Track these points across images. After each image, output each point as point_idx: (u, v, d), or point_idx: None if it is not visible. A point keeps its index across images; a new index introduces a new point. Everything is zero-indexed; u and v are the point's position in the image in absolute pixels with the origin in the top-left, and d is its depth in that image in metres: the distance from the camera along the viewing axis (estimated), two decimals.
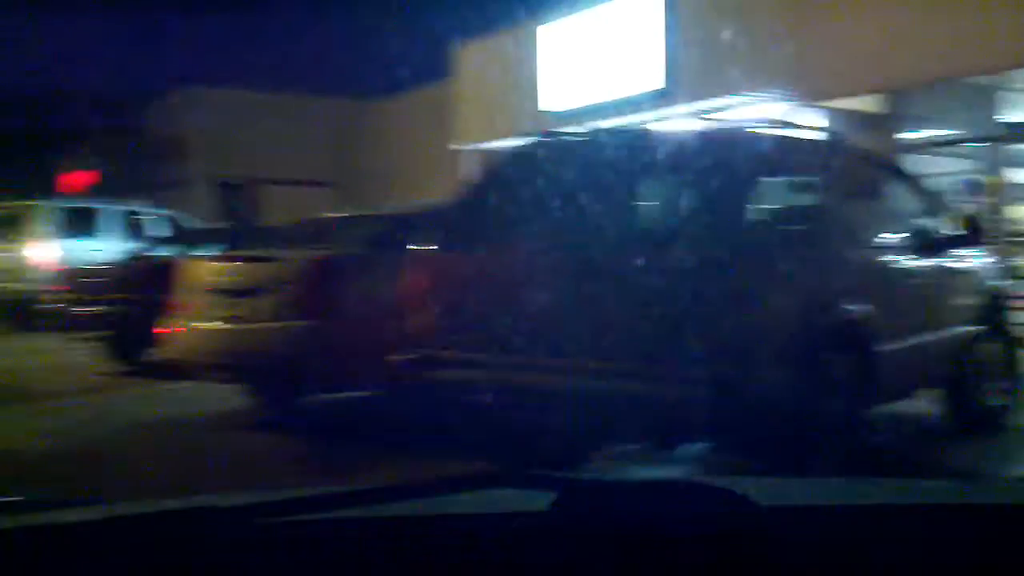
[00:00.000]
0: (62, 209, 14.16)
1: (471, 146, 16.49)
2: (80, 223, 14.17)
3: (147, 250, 11.17)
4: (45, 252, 13.49)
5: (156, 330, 6.98)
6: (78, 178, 34.61)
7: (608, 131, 6.93)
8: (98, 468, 5.52)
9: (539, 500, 1.23)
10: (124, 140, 32.49)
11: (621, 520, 1.20)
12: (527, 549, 1.21)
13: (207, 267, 6.94)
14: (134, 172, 29.93)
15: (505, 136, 15.78)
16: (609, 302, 4.49)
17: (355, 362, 6.13)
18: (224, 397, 7.24)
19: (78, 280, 10.03)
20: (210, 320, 6.61)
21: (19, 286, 13.48)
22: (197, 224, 15.53)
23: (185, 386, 7.80)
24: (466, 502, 1.34)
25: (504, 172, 5.69)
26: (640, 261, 4.36)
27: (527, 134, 5.92)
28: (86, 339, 9.56)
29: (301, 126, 25.05)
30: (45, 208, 13.97)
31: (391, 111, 24.26)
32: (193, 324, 6.71)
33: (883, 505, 1.57)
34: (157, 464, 5.59)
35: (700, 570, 1.15)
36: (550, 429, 4.61)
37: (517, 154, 5.77)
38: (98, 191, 27.99)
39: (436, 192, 15.88)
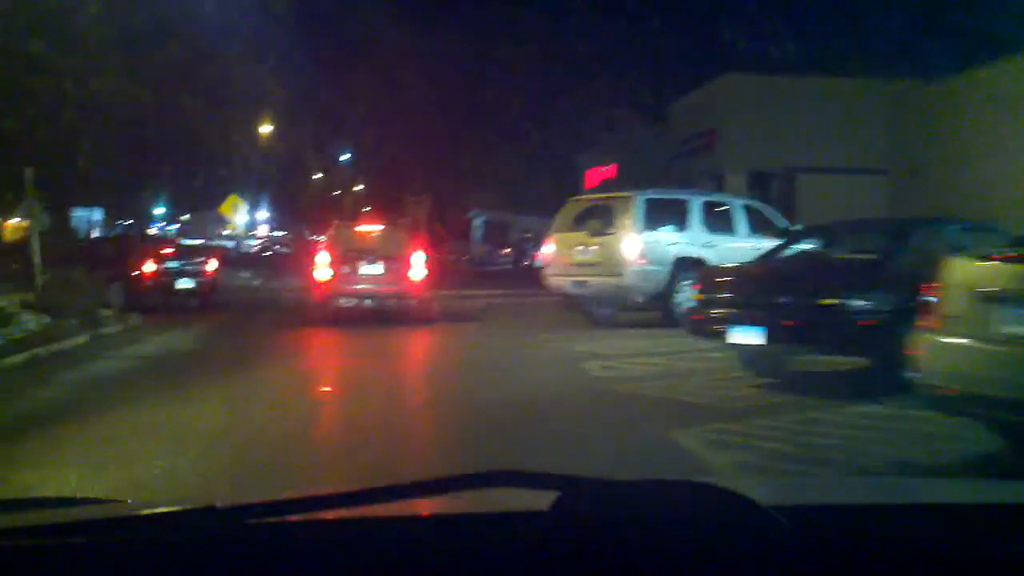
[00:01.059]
0: (650, 200, 13.94)
1: None
2: (664, 215, 13.92)
3: (778, 249, 10.19)
4: (636, 244, 13.38)
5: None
6: (598, 172, 36.09)
7: None
8: None
9: (539, 500, 1.22)
10: (646, 132, 32.97)
11: (621, 520, 1.19)
12: (527, 549, 1.22)
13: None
14: (656, 163, 30.16)
15: None
16: None
17: None
18: None
19: (711, 279, 9.48)
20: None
21: (612, 279, 13.55)
22: (780, 219, 14.67)
23: None
24: (466, 502, 1.36)
25: None
26: None
27: None
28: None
29: (853, 111, 23.37)
30: (637, 200, 13.82)
31: (956, 91, 21.36)
32: None
33: (883, 505, 1.60)
34: None
35: (700, 570, 1.16)
36: None
37: None
38: (615, 185, 28.56)
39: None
